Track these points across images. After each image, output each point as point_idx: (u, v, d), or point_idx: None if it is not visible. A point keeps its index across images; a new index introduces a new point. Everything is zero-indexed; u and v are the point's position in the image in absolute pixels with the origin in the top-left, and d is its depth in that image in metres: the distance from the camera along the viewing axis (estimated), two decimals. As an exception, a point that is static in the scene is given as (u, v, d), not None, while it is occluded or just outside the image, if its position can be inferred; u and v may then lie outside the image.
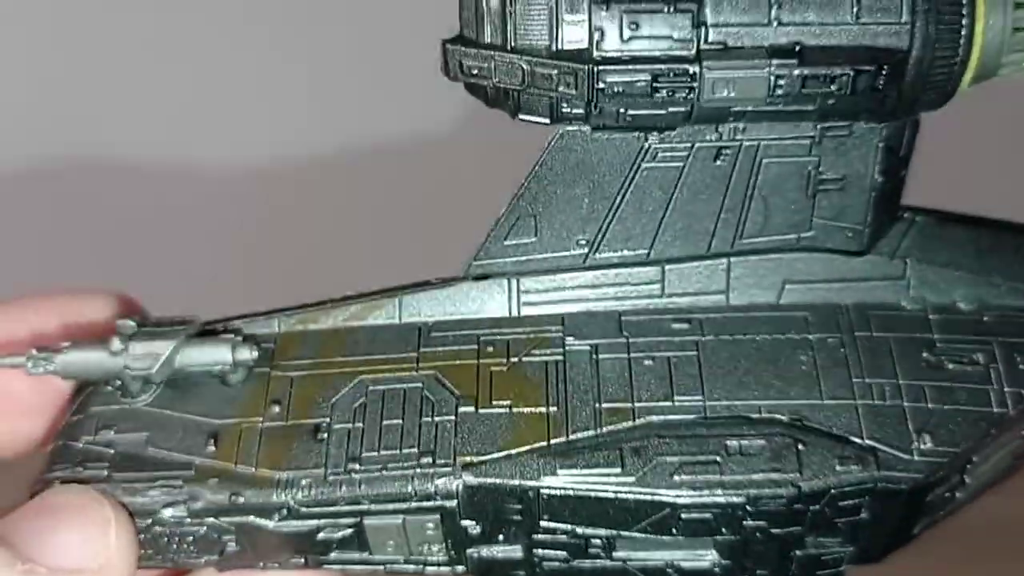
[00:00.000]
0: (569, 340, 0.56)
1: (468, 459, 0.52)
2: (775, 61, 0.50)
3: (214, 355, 0.55)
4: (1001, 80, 0.53)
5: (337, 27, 1.09)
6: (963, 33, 0.50)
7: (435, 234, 0.83)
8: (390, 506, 0.52)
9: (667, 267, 0.56)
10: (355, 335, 0.57)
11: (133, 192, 1.11)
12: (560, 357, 0.55)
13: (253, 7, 1.10)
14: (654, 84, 0.50)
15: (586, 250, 0.56)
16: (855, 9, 0.50)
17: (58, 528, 0.50)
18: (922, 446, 0.52)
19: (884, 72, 0.50)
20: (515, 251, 0.56)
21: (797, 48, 0.50)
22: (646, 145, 0.54)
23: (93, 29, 1.09)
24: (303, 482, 0.52)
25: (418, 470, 0.52)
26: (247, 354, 0.55)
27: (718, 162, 0.54)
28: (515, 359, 0.55)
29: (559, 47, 0.50)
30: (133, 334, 0.55)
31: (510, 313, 0.57)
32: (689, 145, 0.54)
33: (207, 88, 1.12)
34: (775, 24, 0.50)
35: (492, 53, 0.51)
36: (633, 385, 0.54)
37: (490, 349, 0.56)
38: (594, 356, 0.55)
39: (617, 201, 0.55)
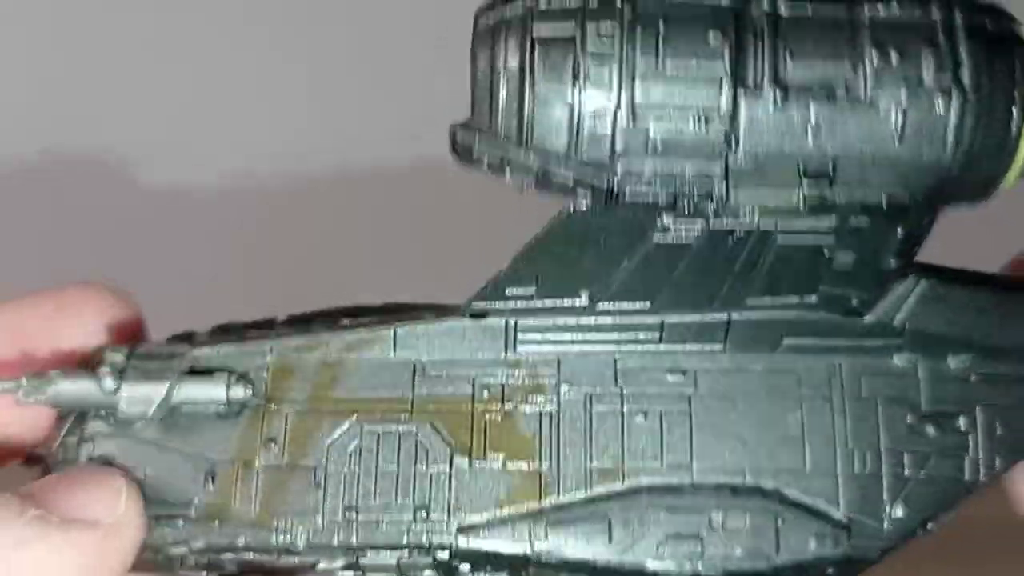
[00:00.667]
0: (564, 388, 0.56)
1: (462, 521, 0.54)
2: (807, 181, 0.47)
3: (208, 393, 0.55)
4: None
5: (338, 45, 1.04)
6: (1007, 149, 0.47)
7: (434, 251, 0.80)
8: (386, 552, 0.55)
9: (666, 318, 0.56)
10: (348, 369, 0.57)
11: (130, 195, 1.06)
12: (554, 408, 0.56)
13: (253, 16, 1.04)
14: (676, 198, 0.47)
15: (586, 303, 0.55)
16: (899, 133, 0.46)
17: (73, 489, 0.51)
18: (894, 515, 0.55)
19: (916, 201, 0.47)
20: (514, 299, 0.55)
21: (832, 167, 0.47)
22: (658, 222, 0.51)
23: (91, 30, 1.03)
24: (300, 528, 0.54)
25: (414, 525, 0.54)
26: (241, 392, 0.55)
27: (730, 241, 0.52)
28: (510, 405, 0.56)
29: (579, 156, 0.47)
30: (123, 370, 0.54)
31: (506, 353, 0.57)
32: (703, 224, 0.51)
33: (207, 95, 1.06)
34: (811, 142, 0.47)
35: (507, 146, 0.47)
36: (624, 443, 0.55)
37: (485, 394, 0.56)
38: (588, 407, 0.56)
39: (622, 266, 0.53)
